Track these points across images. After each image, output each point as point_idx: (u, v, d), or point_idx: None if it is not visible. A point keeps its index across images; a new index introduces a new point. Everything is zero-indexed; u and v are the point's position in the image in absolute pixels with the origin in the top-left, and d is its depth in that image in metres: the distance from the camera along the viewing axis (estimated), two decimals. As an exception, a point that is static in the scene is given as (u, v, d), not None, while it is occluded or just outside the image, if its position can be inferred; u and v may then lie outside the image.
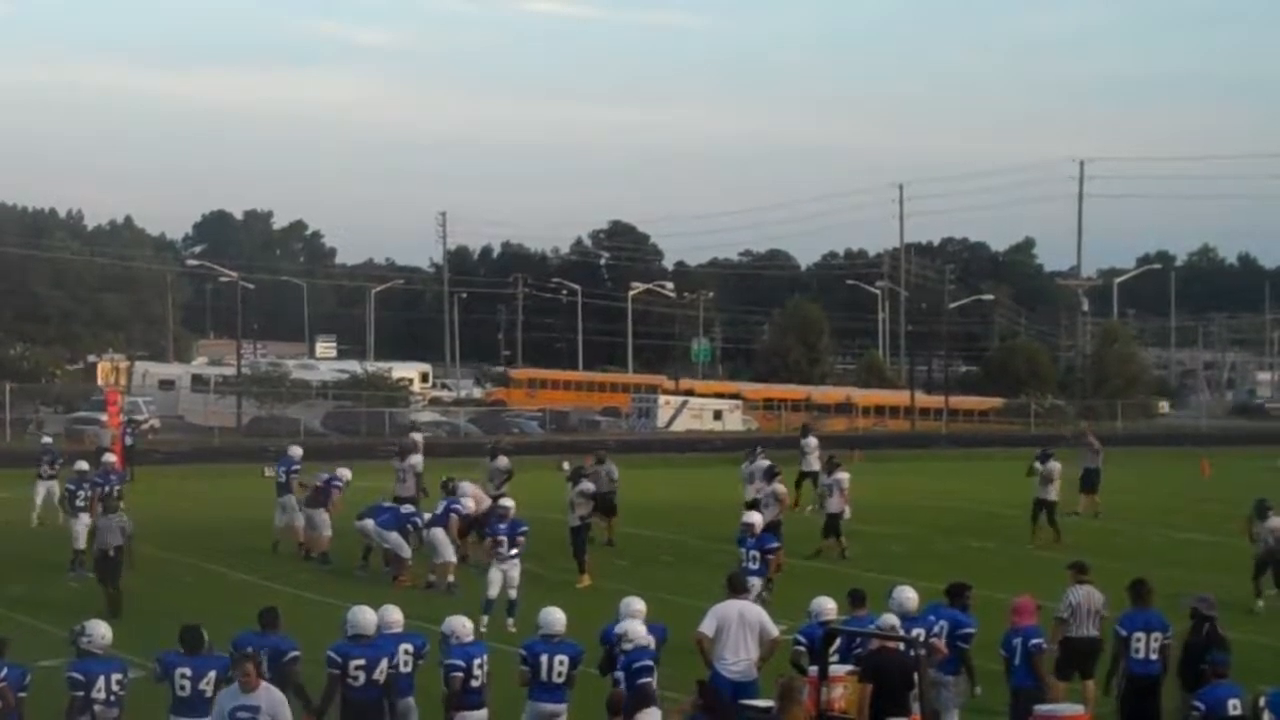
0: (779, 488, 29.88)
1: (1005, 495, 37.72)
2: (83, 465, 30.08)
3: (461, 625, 14.40)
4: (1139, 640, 15.46)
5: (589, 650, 14.78)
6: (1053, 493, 32.57)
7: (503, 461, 32.28)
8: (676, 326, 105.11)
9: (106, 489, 28.56)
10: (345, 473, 30.32)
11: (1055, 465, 32.77)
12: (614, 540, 31.96)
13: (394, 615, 14.71)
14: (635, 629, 13.92)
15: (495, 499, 30.75)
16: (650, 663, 13.66)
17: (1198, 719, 13.39)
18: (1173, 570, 25.77)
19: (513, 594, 22.65)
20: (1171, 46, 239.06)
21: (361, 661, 13.85)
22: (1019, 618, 15.40)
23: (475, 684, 14.05)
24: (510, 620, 22.19)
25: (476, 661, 14.08)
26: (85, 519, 27.43)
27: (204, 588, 26.33)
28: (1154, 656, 15.44)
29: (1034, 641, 15.12)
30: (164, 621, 14.50)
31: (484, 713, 14.16)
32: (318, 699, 13.86)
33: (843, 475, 31.11)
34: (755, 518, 22.67)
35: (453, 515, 26.37)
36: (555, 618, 14.64)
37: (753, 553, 22.04)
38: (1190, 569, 27.29)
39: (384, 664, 13.99)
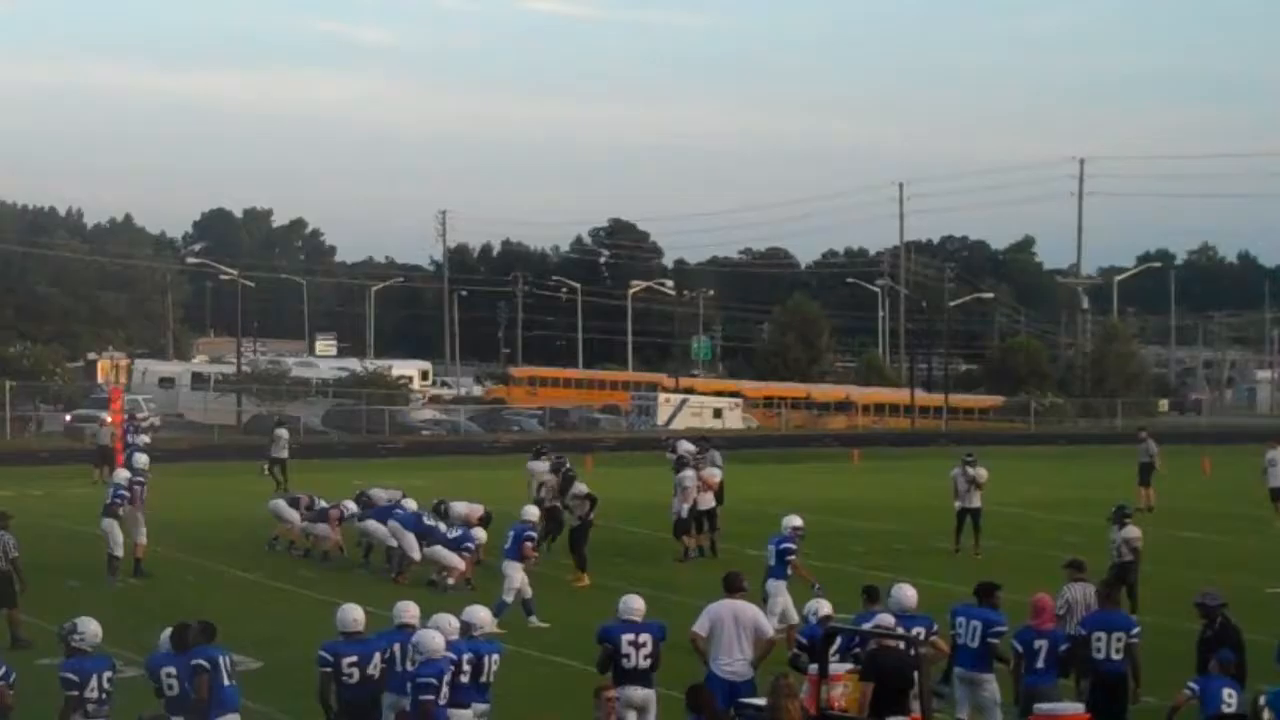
0: (688, 473, 30.05)
1: (1005, 494, 37.69)
2: (124, 473, 28.77)
3: (431, 640, 13.63)
4: (1100, 640, 15.37)
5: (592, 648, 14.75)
6: (975, 499, 31.06)
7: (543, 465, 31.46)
8: (676, 324, 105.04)
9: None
10: (350, 505, 29.43)
11: (980, 471, 31.26)
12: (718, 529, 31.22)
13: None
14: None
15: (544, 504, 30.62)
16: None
17: (1189, 696, 13.47)
18: (1173, 569, 25.76)
19: (527, 592, 22.93)
20: (1172, 45, 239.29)
21: (354, 658, 13.79)
22: (1040, 619, 15.27)
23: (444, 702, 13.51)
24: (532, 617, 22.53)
25: (446, 677, 13.46)
26: (114, 523, 26.99)
27: (204, 586, 26.33)
28: (1116, 655, 15.41)
29: (1064, 647, 15.20)
30: (164, 620, 14.49)
31: (468, 712, 13.66)
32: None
33: (688, 474, 30.40)
34: (797, 520, 22.04)
35: (466, 556, 26.29)
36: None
37: (770, 548, 21.90)
38: (1192, 568, 27.28)
39: (377, 659, 13.90)
